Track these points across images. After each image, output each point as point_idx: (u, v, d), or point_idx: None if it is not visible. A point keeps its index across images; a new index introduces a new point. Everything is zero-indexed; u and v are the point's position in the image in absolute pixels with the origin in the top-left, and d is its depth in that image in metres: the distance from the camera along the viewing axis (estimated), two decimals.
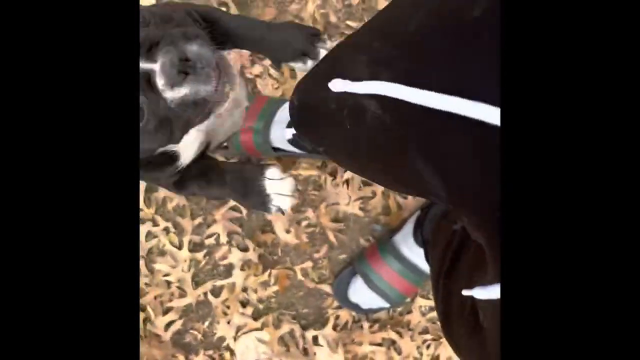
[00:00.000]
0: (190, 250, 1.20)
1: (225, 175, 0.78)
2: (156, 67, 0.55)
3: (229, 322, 1.20)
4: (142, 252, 1.19)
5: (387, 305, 1.15)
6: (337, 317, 1.20)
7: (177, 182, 0.79)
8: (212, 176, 0.79)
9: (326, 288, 1.21)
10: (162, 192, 1.20)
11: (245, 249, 1.21)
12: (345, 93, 0.57)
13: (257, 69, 1.23)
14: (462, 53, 0.45)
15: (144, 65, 0.55)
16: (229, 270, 1.21)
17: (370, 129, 0.56)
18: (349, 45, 0.64)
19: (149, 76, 0.55)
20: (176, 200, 1.20)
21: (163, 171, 0.75)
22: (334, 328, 1.20)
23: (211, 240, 1.21)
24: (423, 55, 0.49)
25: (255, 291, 1.21)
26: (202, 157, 0.80)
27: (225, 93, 0.61)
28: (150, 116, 0.57)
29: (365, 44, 0.58)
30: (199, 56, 0.56)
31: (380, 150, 0.60)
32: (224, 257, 1.21)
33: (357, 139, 0.62)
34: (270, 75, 1.23)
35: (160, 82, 0.55)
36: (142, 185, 1.19)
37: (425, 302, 1.21)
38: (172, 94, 0.56)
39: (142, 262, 1.19)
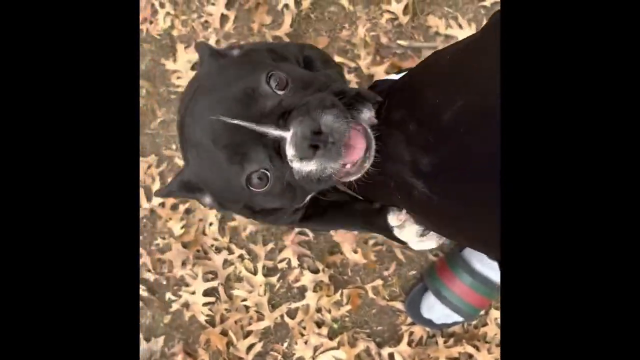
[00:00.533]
0: (265, 275, 1.26)
1: (347, 218, 0.80)
2: (287, 135, 0.54)
3: (306, 343, 1.24)
4: (221, 279, 1.26)
5: (461, 319, 1.15)
6: (411, 333, 1.21)
7: (302, 219, 0.80)
8: (332, 215, 0.80)
9: (398, 305, 1.23)
10: (235, 222, 1.27)
11: (315, 271, 1.25)
12: (389, 170, 0.62)
13: None
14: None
15: (275, 131, 0.54)
16: (302, 292, 1.26)
17: (419, 202, 0.60)
18: (386, 118, 0.66)
19: (279, 143, 0.55)
20: (249, 228, 1.27)
21: (281, 215, 0.77)
22: (409, 344, 1.21)
23: (283, 265, 1.26)
24: (457, 149, 0.52)
25: (329, 311, 1.24)
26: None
27: (363, 167, 0.60)
28: (275, 181, 0.57)
29: (401, 122, 0.61)
30: (332, 129, 0.54)
31: (427, 215, 0.65)
32: (296, 280, 1.26)
33: (407, 207, 0.67)
34: None
35: (289, 151, 0.54)
36: (216, 215, 1.26)
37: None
38: (299, 167, 0.55)
39: (221, 289, 1.26)
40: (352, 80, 1.27)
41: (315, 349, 1.24)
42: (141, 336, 1.29)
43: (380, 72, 1.27)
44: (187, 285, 1.27)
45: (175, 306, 1.27)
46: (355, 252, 1.23)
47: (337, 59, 1.28)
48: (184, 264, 1.27)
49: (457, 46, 0.61)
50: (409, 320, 1.22)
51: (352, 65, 1.28)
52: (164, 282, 1.28)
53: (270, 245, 1.27)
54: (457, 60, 0.58)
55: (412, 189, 0.59)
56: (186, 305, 1.27)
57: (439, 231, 0.70)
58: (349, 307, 1.24)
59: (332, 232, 1.25)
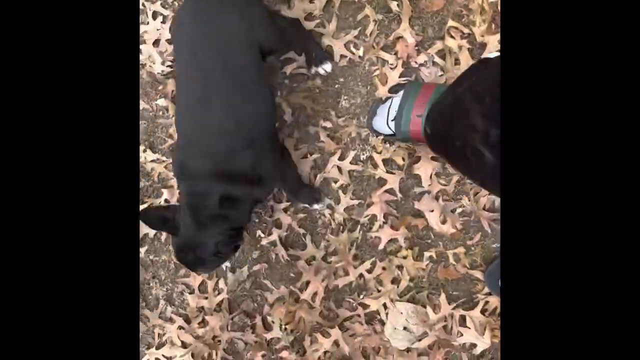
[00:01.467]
0: (350, 230, 1.32)
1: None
2: None
3: (380, 295, 1.31)
4: (311, 230, 1.33)
5: None
6: (487, 303, 1.25)
7: None
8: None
9: (477, 274, 1.26)
10: (326, 173, 1.32)
11: (399, 230, 1.29)
12: (466, 137, 0.72)
13: (422, 58, 1.27)
14: None
15: None
16: (384, 249, 1.31)
17: (488, 168, 0.70)
18: (467, 90, 0.77)
19: None
20: (340, 180, 1.32)
21: None
22: (483, 312, 1.25)
23: (365, 220, 1.31)
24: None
25: (408, 270, 1.30)
26: None
27: None
28: None
29: (479, 95, 0.72)
30: None
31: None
32: (379, 237, 1.31)
33: (481, 173, 0.76)
34: (435, 63, 1.27)
35: None
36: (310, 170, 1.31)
37: None
38: None
39: (308, 237, 1.34)
40: (464, 46, 1.25)
41: (391, 300, 1.30)
42: (228, 266, 1.39)
43: (493, 42, 1.24)
44: (279, 227, 1.35)
45: (264, 242, 1.36)
46: (444, 222, 1.26)
47: (451, 23, 1.25)
48: (285, 210, 1.35)
49: None
50: (486, 290, 1.25)
51: (466, 31, 1.26)
52: (256, 220, 1.37)
53: (357, 201, 1.31)
54: None
55: (482, 155, 0.69)
56: (274, 243, 1.36)
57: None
58: (428, 268, 1.28)
59: (415, 202, 1.28)
